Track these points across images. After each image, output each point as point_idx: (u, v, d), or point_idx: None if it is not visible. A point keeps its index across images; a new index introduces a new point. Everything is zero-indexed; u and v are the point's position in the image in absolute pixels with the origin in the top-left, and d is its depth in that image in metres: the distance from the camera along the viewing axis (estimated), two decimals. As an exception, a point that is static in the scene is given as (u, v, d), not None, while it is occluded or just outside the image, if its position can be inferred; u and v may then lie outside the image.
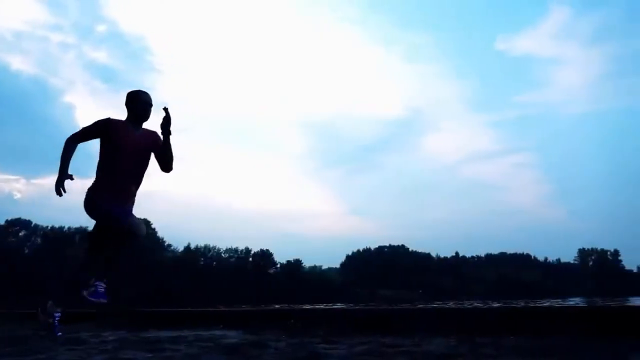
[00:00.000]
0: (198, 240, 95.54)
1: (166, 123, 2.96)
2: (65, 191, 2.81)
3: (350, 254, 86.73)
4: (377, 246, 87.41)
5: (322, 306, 6.87)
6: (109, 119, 2.97)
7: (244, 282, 68.09)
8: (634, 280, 79.96)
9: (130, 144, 2.98)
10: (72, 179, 2.85)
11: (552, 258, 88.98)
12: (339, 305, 9.38)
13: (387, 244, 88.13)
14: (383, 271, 77.22)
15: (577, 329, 1.95)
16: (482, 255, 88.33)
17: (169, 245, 70.18)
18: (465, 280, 74.99)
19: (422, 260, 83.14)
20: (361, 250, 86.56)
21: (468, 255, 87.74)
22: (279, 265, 78.95)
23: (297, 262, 78.92)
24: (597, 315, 2.04)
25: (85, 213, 2.90)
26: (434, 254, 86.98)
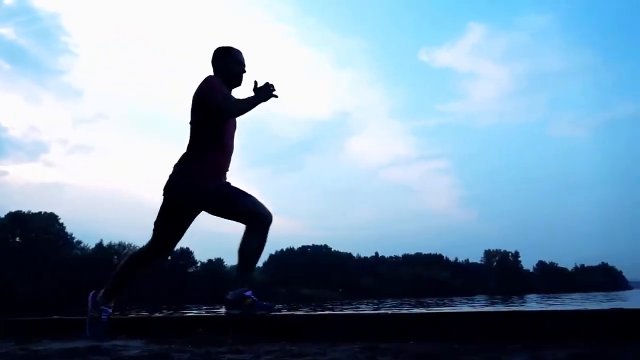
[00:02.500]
0: (112, 236, 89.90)
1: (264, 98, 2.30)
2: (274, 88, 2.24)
3: (273, 253, 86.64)
4: (300, 246, 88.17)
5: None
6: (216, 78, 2.38)
7: (162, 282, 65.26)
8: (530, 279, 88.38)
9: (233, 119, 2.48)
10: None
11: (461, 258, 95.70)
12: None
13: (310, 244, 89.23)
14: (305, 270, 77.99)
15: (468, 333, 2.10)
16: (400, 255, 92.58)
17: (79, 242, 65.09)
18: (384, 279, 78.05)
19: (344, 260, 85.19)
20: (284, 250, 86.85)
21: (387, 255, 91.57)
22: (199, 264, 76.72)
23: (219, 261, 77.18)
24: (488, 319, 2.20)
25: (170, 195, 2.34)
26: (354, 254, 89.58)
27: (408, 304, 19.90)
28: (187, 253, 75.82)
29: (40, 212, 58.70)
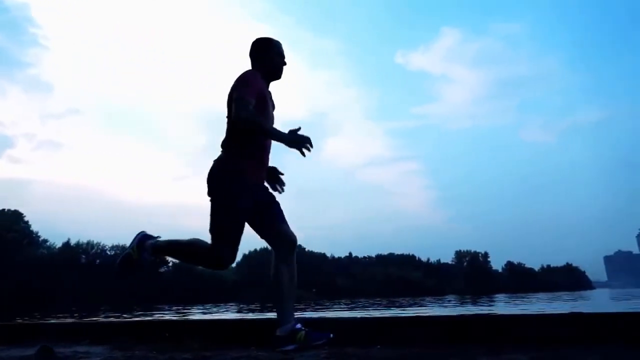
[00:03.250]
0: (80, 235, 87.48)
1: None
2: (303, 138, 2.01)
3: (247, 253, 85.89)
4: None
5: (197, 317, 6.70)
6: (256, 72, 2.24)
7: (133, 281, 63.78)
8: (498, 279, 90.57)
9: (273, 108, 2.33)
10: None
11: (433, 259, 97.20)
12: (216, 316, 9.23)
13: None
14: (279, 270, 77.74)
15: (433, 338, 2.13)
16: (373, 255, 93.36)
17: (45, 241, 63.03)
18: (358, 279, 78.48)
19: (318, 260, 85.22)
20: (258, 250, 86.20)
21: (360, 255, 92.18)
22: (171, 264, 75.33)
23: (191, 261, 76.03)
24: (457, 324, 2.23)
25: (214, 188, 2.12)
26: (329, 254, 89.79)
27: (379, 304, 20.08)
28: (158, 252, 74.32)
29: (3, 210, 56.54)
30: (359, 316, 2.38)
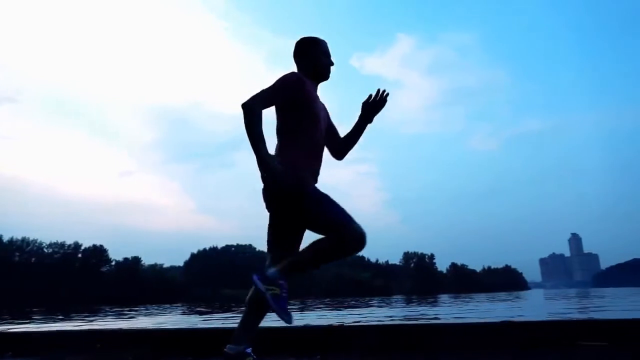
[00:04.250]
0: (14, 231, 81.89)
1: (378, 109, 2.25)
2: (279, 177, 1.90)
3: (195, 252, 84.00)
4: (224, 245, 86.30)
5: (133, 325, 6.48)
6: (301, 75, 2.10)
7: (71, 281, 60.54)
8: (443, 280, 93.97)
9: (322, 110, 2.20)
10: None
11: (382, 260, 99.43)
12: (155, 323, 8.99)
13: (235, 243, 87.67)
14: (228, 270, 76.49)
15: (371, 345, 2.18)
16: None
17: (-27, 237, 58.71)
18: (308, 279, 78.80)
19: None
20: (207, 248, 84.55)
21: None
22: (114, 263, 72.22)
23: (136, 260, 73.24)
24: (390, 332, 2.28)
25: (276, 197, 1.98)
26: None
27: (328, 304, 20.25)
28: (100, 251, 71.06)
29: None
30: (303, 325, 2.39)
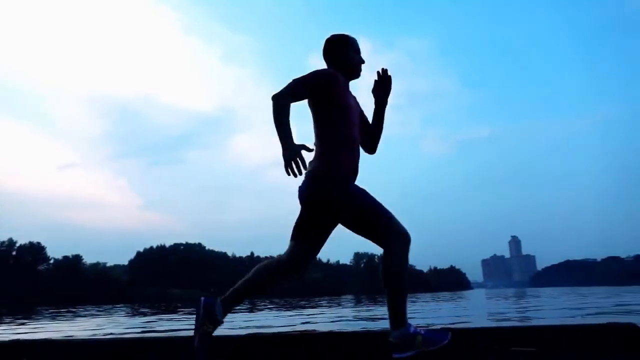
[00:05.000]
0: None
1: (386, 89, 2.22)
2: (304, 167, 1.82)
3: (141, 250, 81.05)
4: (172, 243, 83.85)
5: (64, 334, 6.21)
6: (333, 71, 2.04)
7: (5, 281, 56.56)
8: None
9: (355, 107, 2.12)
10: (309, 149, 1.88)
11: (333, 260, 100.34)
12: (90, 329, 8.69)
13: (184, 242, 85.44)
14: (176, 270, 74.36)
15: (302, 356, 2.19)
16: (275, 255, 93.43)
17: None
18: (258, 279, 77.99)
19: (218, 259, 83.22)
20: (154, 247, 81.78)
21: (262, 255, 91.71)
22: (52, 261, 68.30)
23: (77, 258, 69.63)
24: (318, 341, 2.28)
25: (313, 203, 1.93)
26: (230, 253, 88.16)
27: (278, 305, 20.20)
28: (37, 249, 66.95)
29: None
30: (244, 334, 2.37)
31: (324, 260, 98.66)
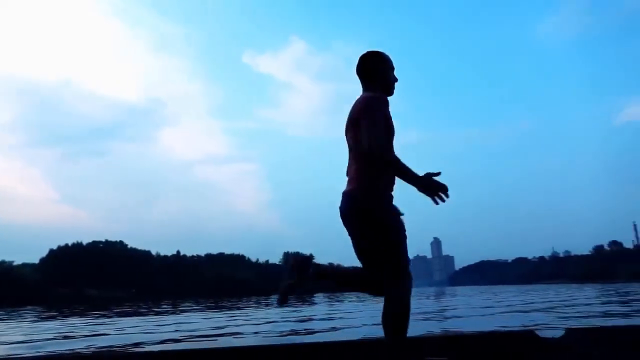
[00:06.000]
0: None
1: (431, 193, 1.89)
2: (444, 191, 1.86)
3: (55, 248, 75.17)
4: (90, 241, 78.66)
5: None
6: (383, 94, 2.04)
7: None
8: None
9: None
10: (436, 174, 1.87)
11: (262, 259, 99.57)
12: None
13: (103, 239, 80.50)
14: (95, 269, 69.85)
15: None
16: (203, 254, 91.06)
17: None
18: (185, 279, 75.56)
19: (141, 258, 79.38)
20: (70, 244, 76.18)
21: (189, 254, 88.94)
22: (-53, 259, 61.21)
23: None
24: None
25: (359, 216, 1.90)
26: (154, 252, 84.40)
27: (205, 306, 19.70)
28: None
29: None
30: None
31: (253, 259, 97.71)
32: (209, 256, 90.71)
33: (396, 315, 1.86)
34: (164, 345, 4.77)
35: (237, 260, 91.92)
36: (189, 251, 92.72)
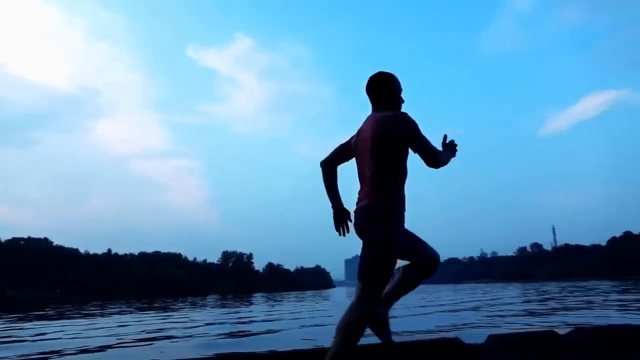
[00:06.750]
0: None
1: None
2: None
3: (-30, 245, 68.55)
4: (10, 237, 72.62)
5: None
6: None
7: None
8: (260, 279, 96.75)
9: None
10: None
11: (200, 258, 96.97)
12: None
13: (26, 236, 74.58)
14: (16, 268, 64.61)
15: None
16: (136, 253, 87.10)
17: None
18: (116, 278, 71.84)
19: (68, 257, 74.47)
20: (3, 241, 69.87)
21: (121, 252, 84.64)
22: None
23: None
24: None
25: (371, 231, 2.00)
26: (82, 250, 79.46)
27: (136, 307, 18.92)
28: None
29: None
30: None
31: (190, 258, 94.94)
32: (142, 255, 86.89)
33: (351, 324, 1.95)
34: (84, 354, 4.52)
35: (173, 259, 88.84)
36: (121, 249, 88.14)
